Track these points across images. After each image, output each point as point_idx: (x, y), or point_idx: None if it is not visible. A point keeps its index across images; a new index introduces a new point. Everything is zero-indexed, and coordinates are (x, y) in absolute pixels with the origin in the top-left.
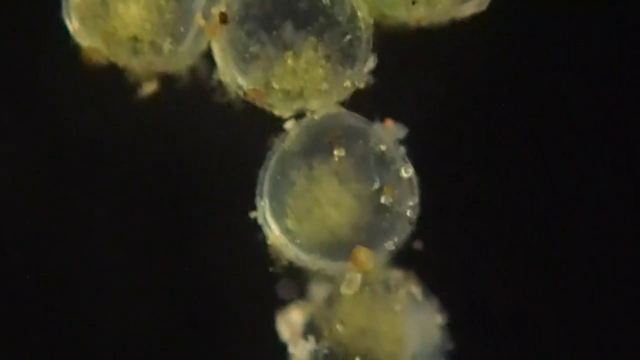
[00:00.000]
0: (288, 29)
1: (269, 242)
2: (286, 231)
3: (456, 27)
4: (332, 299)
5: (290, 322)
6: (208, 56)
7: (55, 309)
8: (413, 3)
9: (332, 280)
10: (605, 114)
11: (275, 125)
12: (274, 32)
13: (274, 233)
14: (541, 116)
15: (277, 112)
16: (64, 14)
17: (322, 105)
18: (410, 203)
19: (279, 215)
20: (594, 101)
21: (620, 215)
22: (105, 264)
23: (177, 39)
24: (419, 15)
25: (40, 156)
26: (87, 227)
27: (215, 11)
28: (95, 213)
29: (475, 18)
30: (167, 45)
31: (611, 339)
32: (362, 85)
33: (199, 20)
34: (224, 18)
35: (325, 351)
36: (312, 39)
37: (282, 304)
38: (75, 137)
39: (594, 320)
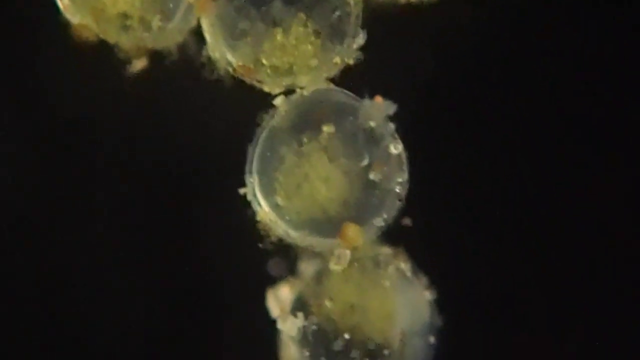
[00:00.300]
0: (277, 5)
1: (259, 218)
2: (275, 207)
3: (445, 3)
4: (321, 276)
5: (279, 298)
6: (197, 33)
7: (41, 282)
8: None
9: (321, 256)
10: (597, 89)
11: (264, 101)
12: (263, 8)
13: (263, 209)
14: (531, 93)
15: (266, 89)
16: None
17: (312, 82)
18: (399, 179)
19: (268, 192)
20: (585, 77)
21: (607, 192)
22: (93, 239)
23: (167, 15)
24: None
25: (29, 132)
26: (77, 205)
27: None
28: (83, 189)
29: None
30: (156, 22)
31: (598, 314)
32: (351, 62)
33: None
34: None
35: (314, 327)
36: (302, 15)
37: (271, 280)
38: (65, 113)
39: (581, 296)
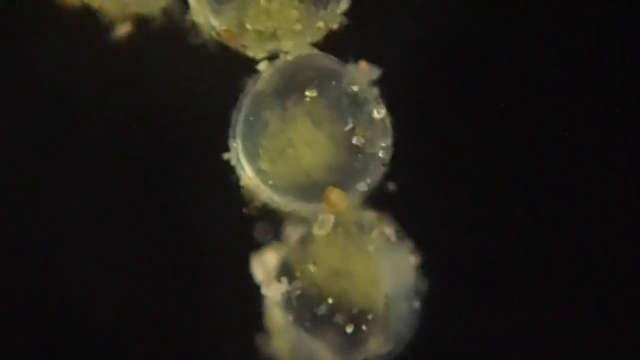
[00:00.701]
0: None
1: (242, 183)
2: (259, 172)
3: None
4: (306, 240)
5: (264, 263)
6: None
7: (23, 246)
8: None
9: (306, 221)
10: (589, 65)
11: (248, 66)
12: None
13: (247, 174)
14: (518, 58)
15: (250, 54)
16: None
17: (296, 47)
18: (383, 144)
19: (252, 157)
20: (578, 49)
21: (595, 164)
22: (76, 205)
23: None
24: None
25: (13, 97)
26: (59, 169)
27: None
28: (66, 154)
29: None
30: None
31: (585, 276)
32: (335, 27)
33: None
34: None
35: (298, 292)
36: None
37: (256, 245)
38: (48, 78)
39: (569, 260)
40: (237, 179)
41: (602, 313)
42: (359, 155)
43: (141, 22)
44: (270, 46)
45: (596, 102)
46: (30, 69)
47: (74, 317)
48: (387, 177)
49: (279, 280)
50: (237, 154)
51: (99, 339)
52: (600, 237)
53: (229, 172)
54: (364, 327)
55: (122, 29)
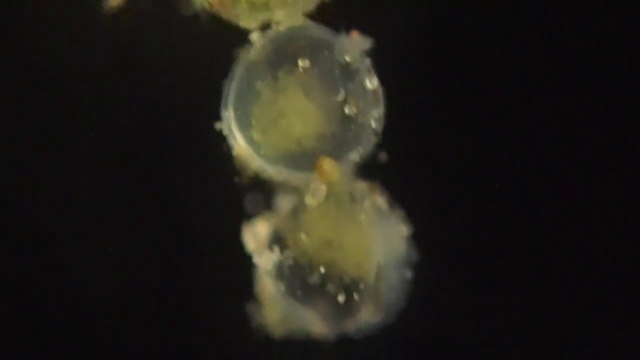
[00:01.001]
0: None
1: (234, 153)
2: (251, 142)
3: None
4: (297, 210)
5: (255, 233)
6: None
7: (12, 213)
8: None
9: (298, 191)
10: (588, 42)
11: (240, 37)
12: None
13: (239, 144)
14: (514, 32)
15: (242, 24)
16: None
17: (288, 17)
18: (375, 114)
19: (244, 126)
20: (573, 33)
21: (593, 154)
22: (68, 178)
23: None
24: None
25: (3, 72)
26: (50, 145)
27: None
28: (58, 127)
29: None
30: None
31: (578, 250)
32: None
33: None
34: None
35: (290, 261)
36: None
37: (248, 215)
38: (39, 52)
39: (561, 233)
40: (230, 149)
41: (597, 291)
42: (351, 125)
43: None
44: (263, 16)
45: (591, 81)
46: (18, 42)
47: (61, 285)
48: (379, 147)
49: (270, 249)
50: (230, 124)
51: (87, 311)
52: (596, 216)
53: (221, 142)
54: (355, 297)
55: (114, 1)
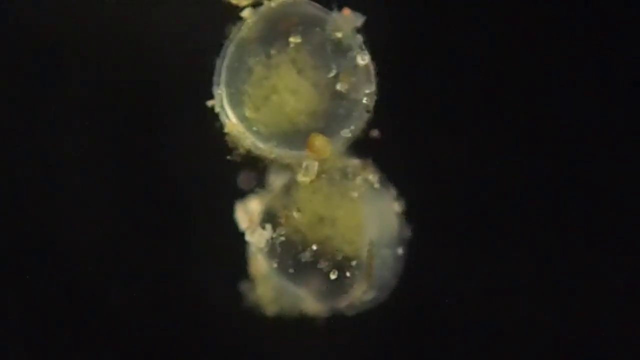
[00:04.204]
0: None
1: (227, 130)
2: (243, 119)
3: None
4: (290, 187)
5: (247, 210)
6: None
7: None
8: None
9: (290, 168)
10: (580, 35)
11: (232, 13)
12: None
13: (231, 121)
14: (503, 12)
15: (234, 1)
16: None
17: None
18: (367, 91)
19: (236, 103)
20: (569, 22)
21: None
22: (55, 151)
23: None
24: None
25: (3, 54)
26: (44, 124)
27: None
28: (53, 109)
29: None
30: None
31: (572, 229)
32: None
33: None
34: None
35: (282, 239)
36: None
37: (240, 193)
38: (33, 26)
39: (554, 210)
40: (222, 126)
41: (596, 251)
42: (343, 102)
43: None
44: None
45: (585, 66)
46: (16, 24)
47: (53, 265)
48: (371, 124)
49: (263, 227)
50: (221, 101)
51: (78, 289)
52: (588, 186)
53: (213, 119)
54: (347, 274)
55: None
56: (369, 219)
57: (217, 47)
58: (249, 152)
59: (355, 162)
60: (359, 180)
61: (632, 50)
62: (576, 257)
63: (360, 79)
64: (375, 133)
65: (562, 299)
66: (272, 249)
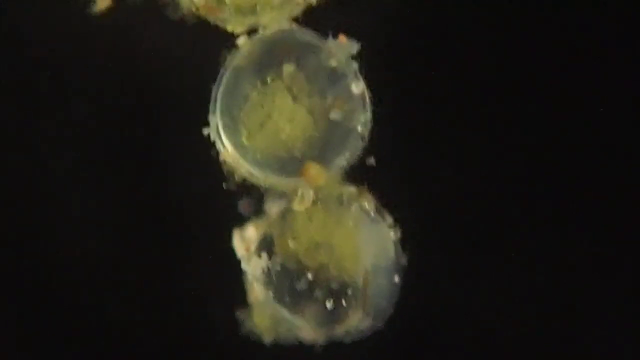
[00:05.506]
0: None
1: (222, 158)
2: (239, 147)
3: None
4: (285, 215)
5: (244, 238)
6: None
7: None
8: None
9: (285, 196)
10: (578, 30)
11: (227, 41)
12: None
13: (227, 149)
14: (499, 34)
15: (229, 28)
16: None
17: (274, 21)
18: (362, 119)
19: (231, 131)
20: (563, 21)
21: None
22: (54, 181)
23: None
24: None
25: None
26: (36, 141)
27: None
28: (48, 129)
29: None
30: None
31: (570, 253)
32: (314, 1)
33: None
34: None
35: (278, 267)
36: None
37: (237, 220)
38: (28, 52)
39: (549, 235)
40: (217, 154)
41: (594, 299)
42: (338, 130)
43: None
44: (250, 20)
45: (580, 70)
46: (9, 42)
47: (56, 293)
48: (366, 151)
49: (259, 255)
50: (217, 129)
51: (78, 314)
52: (580, 208)
53: (209, 147)
54: (343, 302)
55: (102, 3)
56: (364, 246)
57: (212, 75)
58: (245, 179)
59: (350, 189)
60: (354, 208)
61: (632, 50)
62: (574, 290)
63: (355, 106)
64: (371, 160)
65: (560, 330)
66: (268, 278)
